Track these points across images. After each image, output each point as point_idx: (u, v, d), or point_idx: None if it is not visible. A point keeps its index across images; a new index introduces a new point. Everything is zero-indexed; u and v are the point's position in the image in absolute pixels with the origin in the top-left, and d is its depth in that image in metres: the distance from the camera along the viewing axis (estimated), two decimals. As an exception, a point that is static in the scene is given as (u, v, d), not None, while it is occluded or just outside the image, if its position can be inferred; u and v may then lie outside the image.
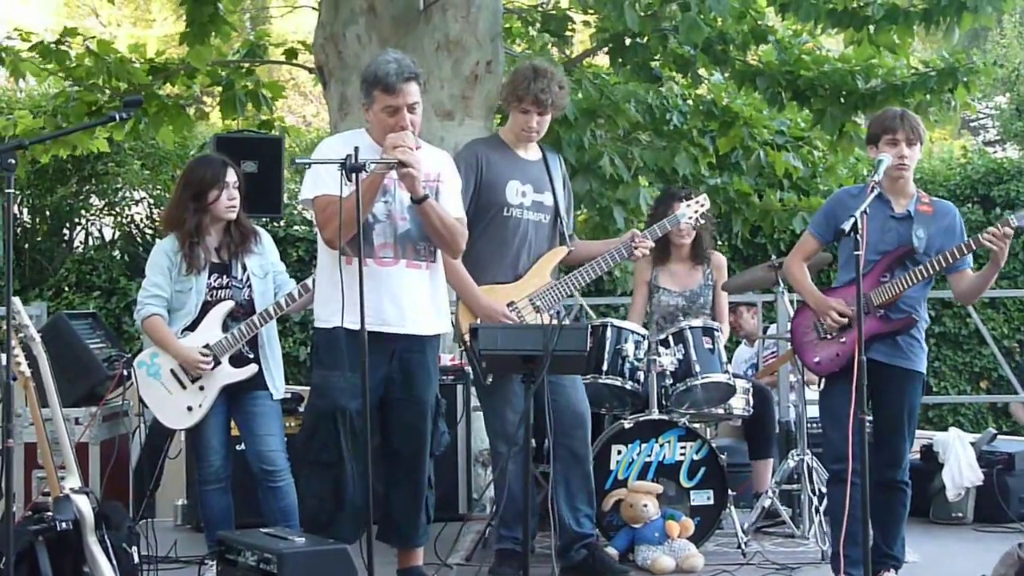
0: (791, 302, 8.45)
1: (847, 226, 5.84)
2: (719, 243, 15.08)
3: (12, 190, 5.31)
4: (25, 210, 17.26)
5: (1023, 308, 16.48)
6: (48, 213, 17.40)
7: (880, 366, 6.30)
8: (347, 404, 6.02)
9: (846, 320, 6.51)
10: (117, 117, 5.61)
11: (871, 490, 5.96)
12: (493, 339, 5.88)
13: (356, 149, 5.65)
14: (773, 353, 10.37)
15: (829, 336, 6.62)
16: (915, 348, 6.56)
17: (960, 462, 8.72)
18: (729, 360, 8.07)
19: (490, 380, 6.66)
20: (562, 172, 7.20)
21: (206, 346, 6.73)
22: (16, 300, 6.00)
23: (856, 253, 5.88)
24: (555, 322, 6.11)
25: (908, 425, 6.56)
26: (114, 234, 17.68)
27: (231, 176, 6.87)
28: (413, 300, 6.21)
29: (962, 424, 14.72)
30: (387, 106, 6.09)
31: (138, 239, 17.44)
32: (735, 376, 8.01)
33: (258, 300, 6.85)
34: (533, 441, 6.35)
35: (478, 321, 6.52)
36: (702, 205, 7.40)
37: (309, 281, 6.67)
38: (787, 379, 9.05)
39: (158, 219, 17.35)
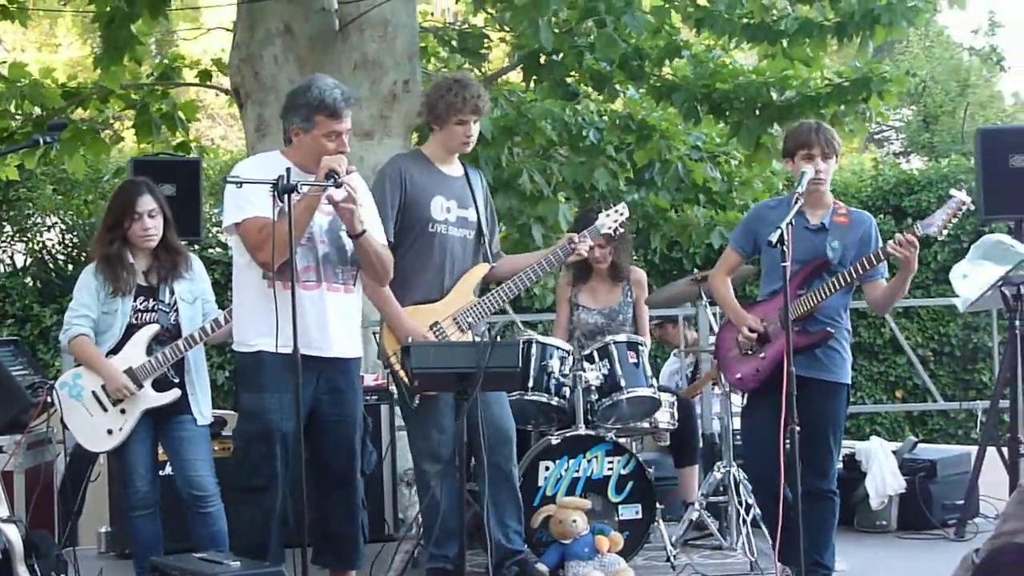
0: (714, 315, 8.50)
1: (773, 238, 5.89)
2: (635, 258, 15.13)
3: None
4: (-65, 238, 17.06)
5: (936, 317, 16.67)
6: (-42, 241, 17.22)
7: (801, 380, 6.17)
8: (281, 425, 5.98)
9: (755, 336, 6.60)
10: (41, 141, 5.56)
11: (803, 501, 6.01)
12: (426, 357, 5.84)
13: (288, 170, 5.65)
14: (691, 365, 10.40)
15: (749, 352, 6.67)
16: (836, 359, 6.60)
17: (883, 470, 8.77)
18: (656, 374, 8.09)
19: (417, 402, 6.65)
20: (484, 188, 7.19)
21: (128, 370, 6.66)
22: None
23: (783, 264, 5.93)
24: (487, 339, 6.09)
25: (833, 437, 6.60)
26: (26, 261, 17.47)
27: (145, 205, 6.74)
28: (335, 323, 6.21)
29: (879, 433, 14.81)
30: (331, 131, 6.10)
31: (51, 265, 17.23)
32: (661, 389, 8.04)
33: (185, 325, 6.77)
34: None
35: (409, 340, 6.48)
36: (621, 214, 7.32)
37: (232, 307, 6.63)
38: (710, 392, 9.10)
39: (71, 244, 17.18)
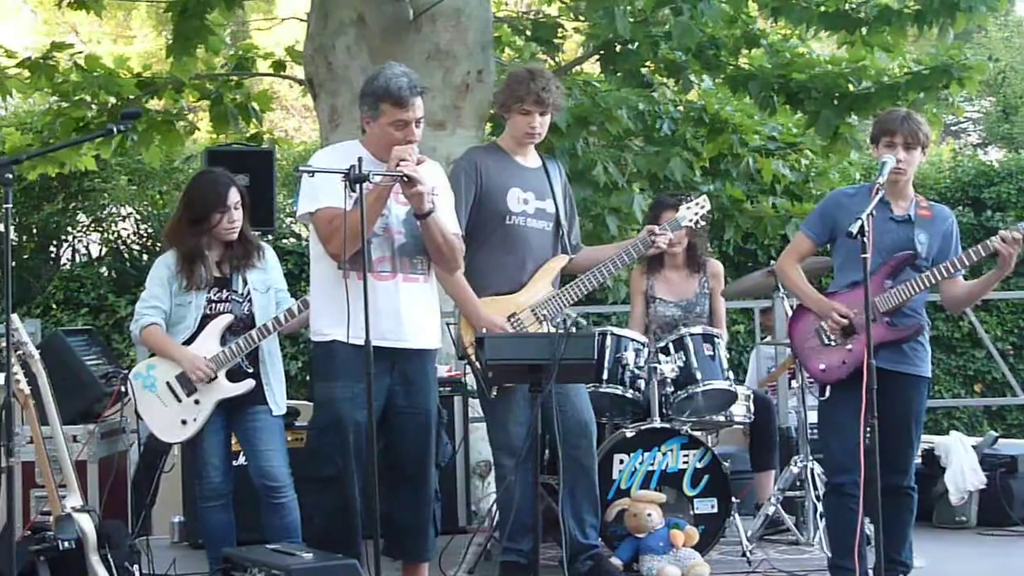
0: (790, 307, 8.38)
1: (854, 228, 5.76)
2: (711, 250, 15.04)
3: (9, 205, 5.26)
4: (12, 228, 17.16)
5: (1016, 310, 16.47)
6: (35, 230, 17.30)
7: (886, 373, 6.08)
8: (353, 414, 5.92)
9: (847, 321, 6.37)
10: (115, 130, 5.53)
11: (881, 496, 5.92)
12: (500, 349, 5.82)
13: (360, 160, 5.60)
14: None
15: (834, 342, 6.46)
16: (920, 353, 6.45)
17: (963, 466, 8.67)
18: (732, 365, 7.98)
19: (495, 393, 6.59)
20: (563, 179, 7.11)
21: None
22: (15, 317, 5.95)
23: (863, 256, 5.80)
24: (562, 330, 6.02)
25: (914, 431, 6.46)
26: (101, 251, 17.57)
27: (233, 197, 6.75)
28: (410, 314, 6.12)
29: (957, 428, 14.68)
30: (397, 120, 6.00)
31: (125, 255, 17.33)
32: (736, 383, 7.94)
33: (259, 314, 6.73)
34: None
35: (483, 331, 6.43)
36: (702, 207, 7.21)
37: (309, 297, 6.59)
38: (786, 385, 8.99)
39: (145, 235, 17.26)
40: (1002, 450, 9.00)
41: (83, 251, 17.74)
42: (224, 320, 6.69)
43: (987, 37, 26.13)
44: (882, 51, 10.96)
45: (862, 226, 5.76)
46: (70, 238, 17.69)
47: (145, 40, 25.82)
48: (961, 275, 6.50)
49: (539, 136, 6.92)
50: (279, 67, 12.60)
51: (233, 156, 9.60)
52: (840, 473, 6.30)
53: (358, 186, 5.58)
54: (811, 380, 7.47)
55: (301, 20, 11.27)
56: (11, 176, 5.08)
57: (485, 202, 6.76)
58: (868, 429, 5.76)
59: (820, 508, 7.66)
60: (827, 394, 6.54)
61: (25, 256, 17.12)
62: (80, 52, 12.19)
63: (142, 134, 11.82)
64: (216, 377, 6.64)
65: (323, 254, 6.08)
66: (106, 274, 16.92)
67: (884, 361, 6.15)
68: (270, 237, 14.76)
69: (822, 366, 6.51)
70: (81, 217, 17.59)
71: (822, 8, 10.61)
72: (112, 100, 11.70)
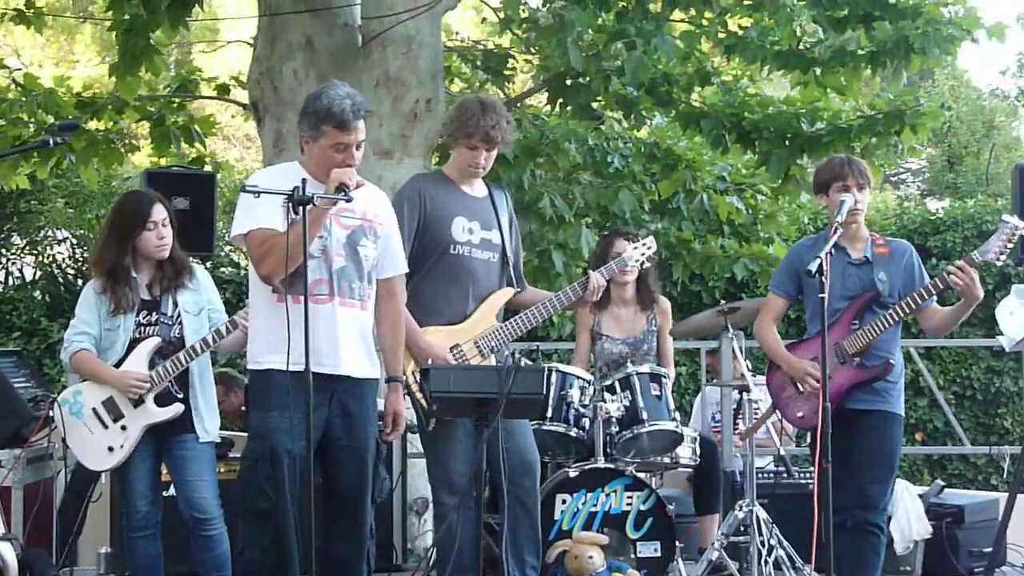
0: (738, 348, 8.27)
1: (812, 267, 5.84)
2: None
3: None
4: (-58, 247, 16.94)
5: (959, 359, 16.42)
6: (-33, 251, 17.08)
7: (861, 413, 6.29)
8: (289, 446, 5.73)
9: (818, 384, 6.40)
10: (51, 142, 5.37)
11: (847, 535, 6.13)
12: (446, 380, 5.66)
13: (304, 181, 5.44)
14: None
15: (807, 391, 6.60)
16: (892, 391, 6.57)
17: (908, 514, 8.59)
18: (681, 407, 7.86)
19: (432, 425, 6.40)
20: (509, 210, 6.96)
21: None
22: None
23: (820, 295, 5.84)
24: (510, 364, 5.86)
25: (885, 468, 6.56)
26: (35, 274, 17.33)
27: (158, 213, 6.61)
28: (347, 340, 5.96)
29: (898, 476, 14.60)
30: (339, 143, 5.85)
31: (60, 280, 17.10)
32: (681, 425, 7.81)
33: (189, 337, 6.60)
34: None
35: (428, 362, 6.25)
36: (648, 247, 7.21)
37: (238, 316, 6.43)
38: (731, 428, 8.89)
39: (81, 259, 17.04)
40: (949, 500, 8.92)
41: (16, 274, 17.49)
42: (151, 343, 6.55)
43: (935, 86, 26.31)
44: (836, 93, 10.90)
45: (820, 264, 5.79)
46: (4, 260, 17.44)
47: (88, 65, 25.62)
48: (933, 303, 6.58)
49: (483, 171, 6.78)
50: (223, 90, 12.41)
51: (173, 179, 9.36)
52: (836, 512, 6.24)
53: (301, 208, 5.40)
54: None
55: (248, 44, 11.08)
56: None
57: (429, 230, 6.59)
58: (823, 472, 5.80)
59: (765, 554, 7.55)
60: (808, 439, 6.80)
61: (-44, 277, 16.88)
62: (18, 70, 11.99)
63: (81, 153, 11.62)
64: (143, 402, 6.47)
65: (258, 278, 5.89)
66: (40, 298, 16.70)
67: (858, 402, 6.40)
68: (208, 265, 14.57)
69: (800, 414, 6.76)
70: (16, 239, 17.38)
71: (776, 47, 10.53)
72: (51, 119, 11.48)
